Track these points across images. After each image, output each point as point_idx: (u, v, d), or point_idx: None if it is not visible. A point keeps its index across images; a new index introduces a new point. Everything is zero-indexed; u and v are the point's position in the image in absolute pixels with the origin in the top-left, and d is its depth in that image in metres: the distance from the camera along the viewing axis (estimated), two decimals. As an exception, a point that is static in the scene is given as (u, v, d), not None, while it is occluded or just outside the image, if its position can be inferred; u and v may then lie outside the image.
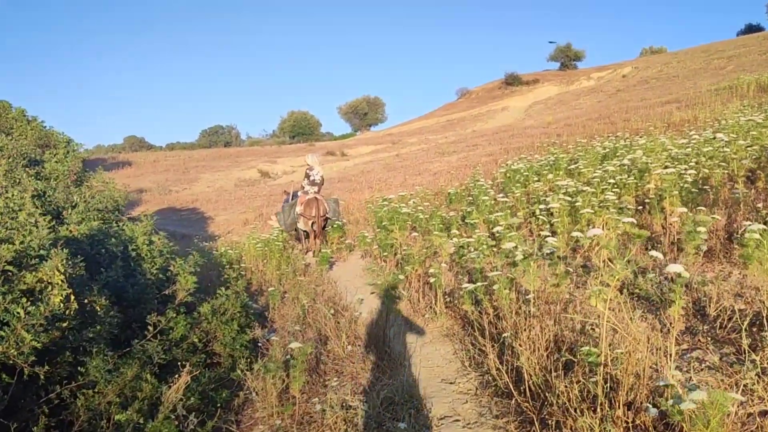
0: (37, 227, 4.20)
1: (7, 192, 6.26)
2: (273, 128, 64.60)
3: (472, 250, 6.08)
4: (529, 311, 3.80)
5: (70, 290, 3.71)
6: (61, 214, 6.28)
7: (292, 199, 10.38)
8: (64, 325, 3.71)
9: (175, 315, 5.02)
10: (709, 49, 47.26)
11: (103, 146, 72.48)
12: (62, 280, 3.67)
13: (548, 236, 4.37)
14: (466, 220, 8.41)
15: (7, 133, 9.32)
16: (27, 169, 7.57)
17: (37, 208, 6.00)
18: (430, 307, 5.49)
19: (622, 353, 2.74)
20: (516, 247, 4.23)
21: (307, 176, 9.98)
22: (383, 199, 7.97)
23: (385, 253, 7.41)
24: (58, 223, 6.06)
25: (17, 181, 6.52)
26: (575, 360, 2.91)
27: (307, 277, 8.28)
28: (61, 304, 3.66)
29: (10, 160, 7.58)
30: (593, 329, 3.63)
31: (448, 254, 7.03)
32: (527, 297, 4.03)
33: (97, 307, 4.06)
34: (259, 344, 5.64)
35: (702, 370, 3.20)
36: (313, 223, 9.63)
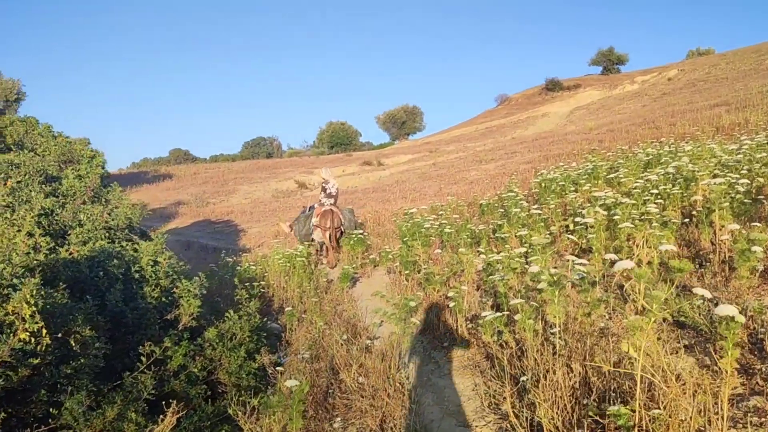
0: (15, 253, 3.87)
1: (13, 211, 6.03)
2: (313, 139, 64.93)
3: (500, 268, 5.56)
4: (554, 349, 3.27)
5: (41, 324, 3.34)
6: (67, 233, 6.01)
7: (309, 211, 10.44)
8: (36, 362, 3.35)
9: (172, 344, 4.64)
10: (761, 49, 45.31)
11: (149, 159, 73.92)
12: (32, 313, 3.31)
13: (577, 259, 3.83)
14: (496, 234, 7.89)
15: (31, 149, 9.18)
16: (43, 186, 7.36)
17: (42, 227, 5.77)
18: (450, 334, 4.99)
19: (660, 414, 2.20)
20: (541, 271, 3.71)
21: (323, 189, 10.20)
22: (405, 211, 7.47)
23: (407, 271, 6.92)
24: (62, 244, 5.80)
25: (26, 199, 6.28)
26: (603, 422, 2.38)
27: (328, 294, 7.87)
28: (31, 339, 3.31)
29: (26, 177, 7.40)
30: (628, 366, 3.08)
31: (475, 272, 6.53)
32: (553, 330, 3.50)
33: (72, 341, 3.69)
34: (269, 372, 5.23)
35: (761, 426, 2.63)
36: (329, 234, 9.72)
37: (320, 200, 10.21)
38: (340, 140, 57.50)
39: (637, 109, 36.16)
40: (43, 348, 3.39)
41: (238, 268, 9.50)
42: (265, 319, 7.52)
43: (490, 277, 5.91)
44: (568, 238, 6.50)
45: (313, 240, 10.13)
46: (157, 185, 32.77)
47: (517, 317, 3.72)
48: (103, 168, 9.59)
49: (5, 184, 7.23)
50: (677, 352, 3.55)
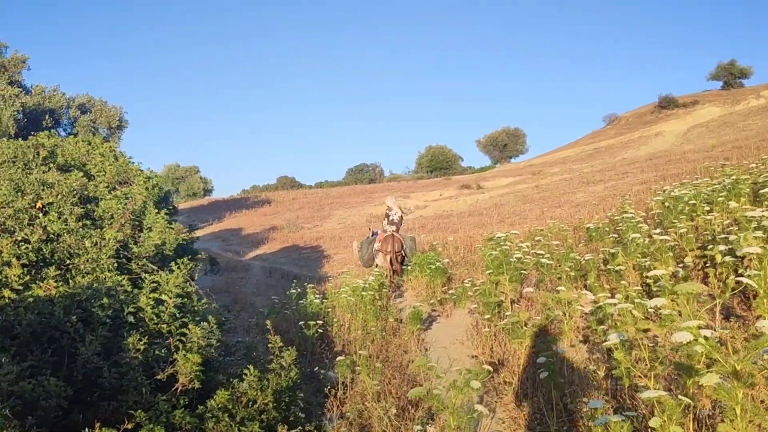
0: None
1: (11, 235, 5.07)
2: (413, 164, 64.00)
3: (615, 315, 3.93)
4: None
5: None
6: (68, 262, 4.96)
7: (372, 237, 10.70)
8: None
9: (150, 418, 3.36)
10: None
11: (257, 186, 75.92)
12: None
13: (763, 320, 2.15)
14: (608, 266, 6.15)
15: (82, 168, 8.47)
16: (75, 207, 6.46)
17: (27, 256, 4.75)
18: (540, 417, 3.38)
19: None
20: (697, 341, 2.07)
21: (387, 216, 10.63)
22: (489, 237, 5.87)
23: (487, 316, 5.32)
24: (63, 277, 4.76)
25: (28, 223, 5.33)
26: None
27: (396, 338, 6.41)
28: None
29: (59, 198, 6.53)
30: None
31: (580, 317, 4.86)
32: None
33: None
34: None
35: None
36: (390, 259, 9.86)
37: (383, 227, 10.56)
38: (439, 164, 56.12)
39: (767, 125, 32.33)
40: None
41: (302, 301, 8.25)
42: (317, 369, 6.18)
43: (601, 327, 4.25)
44: (713, 273, 4.69)
45: (376, 265, 10.25)
46: (256, 210, 32.75)
47: (653, 423, 2.10)
48: (157, 190, 8.72)
49: (35, 205, 6.39)
50: None
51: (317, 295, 8.35)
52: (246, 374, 4.17)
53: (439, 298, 7.58)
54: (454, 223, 19.33)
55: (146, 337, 4.04)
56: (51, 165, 7.98)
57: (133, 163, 9.28)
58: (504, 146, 59.14)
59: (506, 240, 5.75)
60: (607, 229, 8.42)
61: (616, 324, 4.57)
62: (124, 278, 4.71)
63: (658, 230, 6.79)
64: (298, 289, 8.80)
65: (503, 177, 38.91)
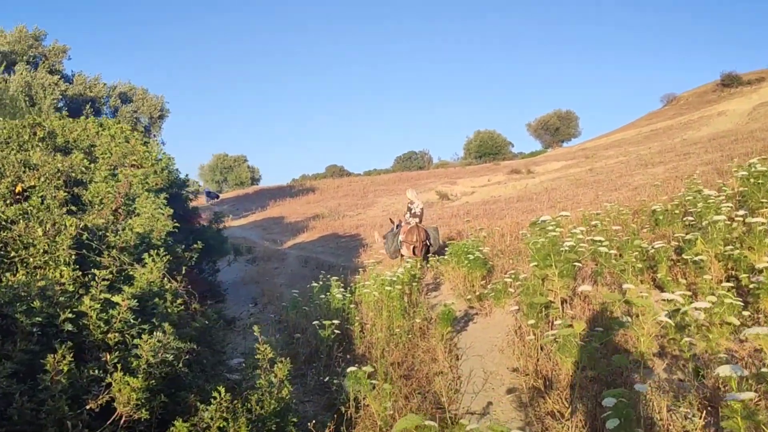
0: None
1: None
2: (461, 150, 62.35)
3: (700, 315, 2.83)
4: None
5: None
6: (12, 255, 4.10)
7: (396, 229, 10.77)
8: None
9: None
10: None
11: (307, 175, 75.71)
12: None
13: None
14: (684, 255, 4.95)
15: (88, 151, 7.72)
16: (58, 191, 5.65)
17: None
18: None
19: None
20: None
21: (409, 209, 10.79)
22: (533, 222, 4.73)
23: (532, 321, 4.19)
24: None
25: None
26: None
27: (424, 341, 5.38)
28: None
29: (43, 181, 5.74)
30: None
31: (655, 323, 3.70)
32: None
33: None
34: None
35: None
36: (414, 249, 9.92)
37: (406, 219, 10.66)
38: (488, 150, 54.30)
39: None
40: None
41: (323, 296, 7.29)
42: (327, 378, 5.22)
43: (686, 340, 3.13)
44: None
45: (401, 256, 10.25)
46: (300, 199, 32.11)
47: None
48: (166, 173, 7.89)
49: (14, 190, 5.62)
50: None
51: (342, 289, 7.37)
52: (215, 399, 3.21)
53: (477, 294, 6.48)
54: (501, 209, 18.08)
55: (85, 352, 3.13)
56: (48, 146, 7.23)
57: (146, 144, 8.49)
58: (555, 130, 56.86)
59: (555, 225, 4.63)
60: (677, 211, 7.15)
61: (703, 332, 3.43)
62: (69, 274, 3.80)
63: (741, 212, 5.52)
64: (321, 282, 7.84)
65: (554, 161, 37.15)
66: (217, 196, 38.70)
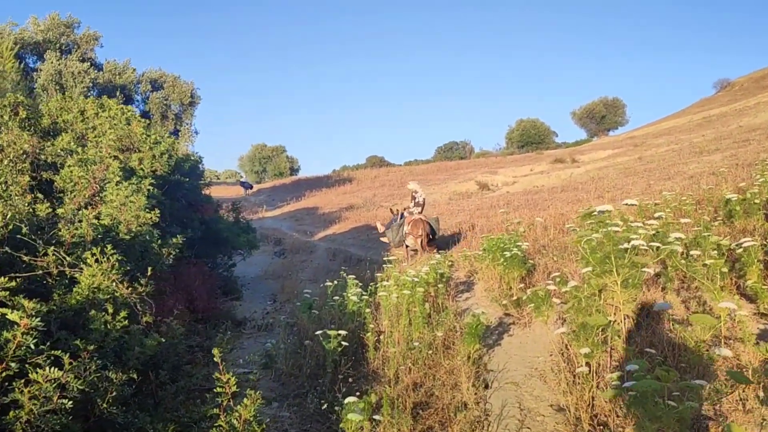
0: None
1: None
2: (504, 140, 60.61)
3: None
4: None
5: None
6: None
7: (400, 219, 10.96)
8: None
9: None
10: None
11: (347, 167, 75.06)
12: None
13: None
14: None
15: (81, 135, 6.94)
16: (22, 176, 4.85)
17: None
18: None
19: None
20: None
21: (413, 199, 11.18)
22: (585, 212, 3.67)
23: (584, 350, 3.08)
24: None
25: None
26: None
27: (447, 359, 4.37)
28: None
29: (5, 162, 4.94)
30: None
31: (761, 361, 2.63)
32: None
33: None
34: None
35: None
36: (420, 240, 10.23)
37: (409, 209, 10.99)
38: (531, 139, 52.44)
39: None
40: None
41: (337, 297, 6.34)
42: (326, 406, 4.27)
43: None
44: None
45: (407, 246, 10.69)
46: (336, 189, 31.29)
47: None
48: (166, 158, 7.05)
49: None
50: None
51: (360, 289, 6.39)
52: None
53: (515, 298, 5.42)
54: (544, 200, 16.80)
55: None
56: (29, 126, 6.45)
57: (144, 126, 7.66)
58: (602, 118, 54.53)
59: (614, 217, 3.56)
60: (756, 201, 5.93)
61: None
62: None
63: None
64: (335, 281, 6.88)
65: (601, 150, 35.35)
66: (251, 186, 38.68)
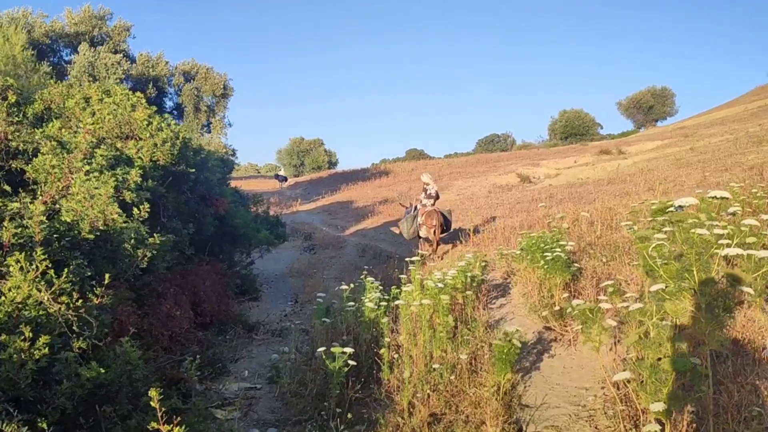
0: None
1: None
2: (546, 131, 58.87)
3: None
4: None
5: None
6: None
7: (414, 211, 11.09)
8: None
9: None
10: None
11: (387, 160, 74.38)
12: None
13: None
14: None
15: (77, 121, 6.36)
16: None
17: None
18: None
19: None
20: None
21: (425, 191, 11.28)
22: (658, 207, 2.83)
23: (657, 405, 2.22)
24: None
25: None
26: None
27: (473, 388, 3.56)
28: None
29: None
30: None
31: None
32: None
33: None
34: None
35: None
36: (434, 231, 10.42)
37: (421, 201, 11.14)
38: (574, 130, 50.59)
39: None
40: None
41: (352, 304, 5.58)
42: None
43: None
44: None
45: (420, 237, 10.91)
46: (371, 182, 30.57)
47: None
48: (168, 146, 6.41)
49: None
50: None
51: (380, 293, 5.61)
52: None
53: (557, 308, 4.57)
54: (589, 192, 15.71)
55: None
56: (18, 112, 5.86)
57: (150, 113, 7.03)
58: (649, 108, 52.25)
59: (704, 215, 2.70)
60: None
61: None
62: None
63: None
64: (348, 285, 6.09)
65: (648, 141, 33.69)
66: (286, 179, 38.79)
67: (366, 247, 13.11)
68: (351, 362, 3.95)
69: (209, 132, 22.12)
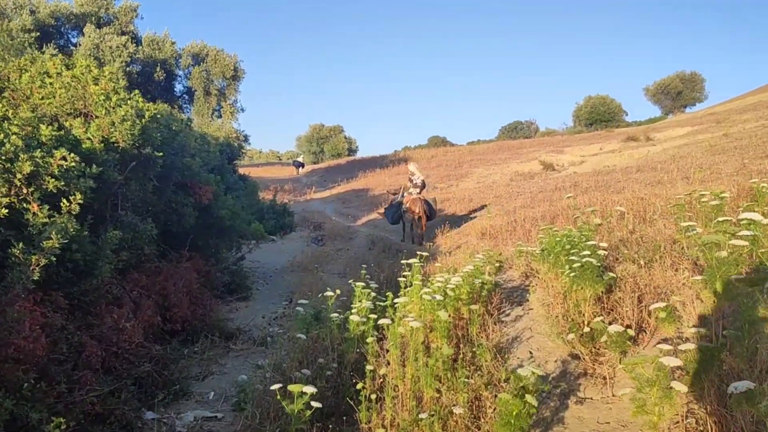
0: None
1: None
2: (571, 118, 57.04)
3: None
4: None
5: None
6: None
7: (400, 198, 11.69)
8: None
9: None
10: None
11: (409, 147, 73.20)
12: None
13: None
14: None
15: (25, 94, 5.47)
16: None
17: None
18: None
19: None
20: None
21: (410, 180, 11.83)
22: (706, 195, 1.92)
23: None
24: None
25: None
26: None
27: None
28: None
29: None
30: None
31: None
32: None
33: None
34: None
35: None
36: (418, 218, 10.90)
37: (408, 190, 11.65)
38: (600, 116, 48.75)
39: None
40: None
41: (336, 314, 4.60)
42: None
43: None
44: None
45: (403, 223, 11.61)
46: (390, 170, 29.53)
47: None
48: (129, 125, 5.50)
49: None
50: None
51: (372, 302, 4.61)
52: None
53: (587, 328, 3.54)
54: (617, 181, 14.47)
55: None
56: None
57: (118, 88, 6.10)
58: (678, 94, 50.16)
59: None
60: None
61: None
62: None
63: None
64: (331, 290, 5.06)
65: (678, 127, 32.07)
66: (303, 165, 38.34)
67: (376, 239, 12.12)
68: (315, 404, 2.97)
69: (220, 117, 21.22)
